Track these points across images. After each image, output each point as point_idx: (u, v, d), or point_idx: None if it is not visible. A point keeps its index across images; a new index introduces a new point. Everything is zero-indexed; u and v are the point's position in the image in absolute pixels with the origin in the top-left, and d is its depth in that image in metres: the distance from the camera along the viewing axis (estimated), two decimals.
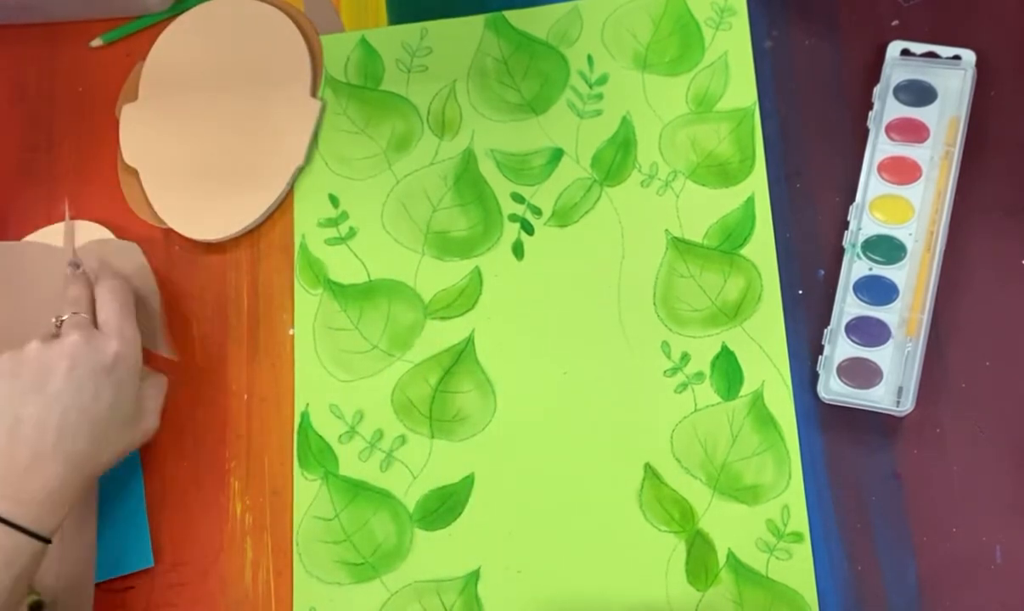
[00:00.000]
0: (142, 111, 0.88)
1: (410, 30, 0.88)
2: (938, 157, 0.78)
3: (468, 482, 0.78)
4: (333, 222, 0.85)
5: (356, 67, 0.88)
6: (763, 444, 0.76)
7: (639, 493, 0.77)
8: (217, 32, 0.89)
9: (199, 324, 0.84)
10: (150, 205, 0.86)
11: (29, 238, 0.86)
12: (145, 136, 0.87)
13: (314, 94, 0.87)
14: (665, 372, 0.79)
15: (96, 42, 0.91)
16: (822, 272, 0.79)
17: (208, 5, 0.90)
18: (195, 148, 0.87)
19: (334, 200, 0.85)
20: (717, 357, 0.78)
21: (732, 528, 0.75)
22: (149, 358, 0.82)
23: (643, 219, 0.82)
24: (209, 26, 0.89)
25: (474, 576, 0.77)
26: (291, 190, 0.86)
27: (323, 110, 0.86)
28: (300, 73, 0.87)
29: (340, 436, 0.80)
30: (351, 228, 0.84)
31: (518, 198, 0.83)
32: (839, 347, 0.76)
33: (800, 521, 0.75)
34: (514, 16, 0.87)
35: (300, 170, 0.85)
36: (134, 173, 0.87)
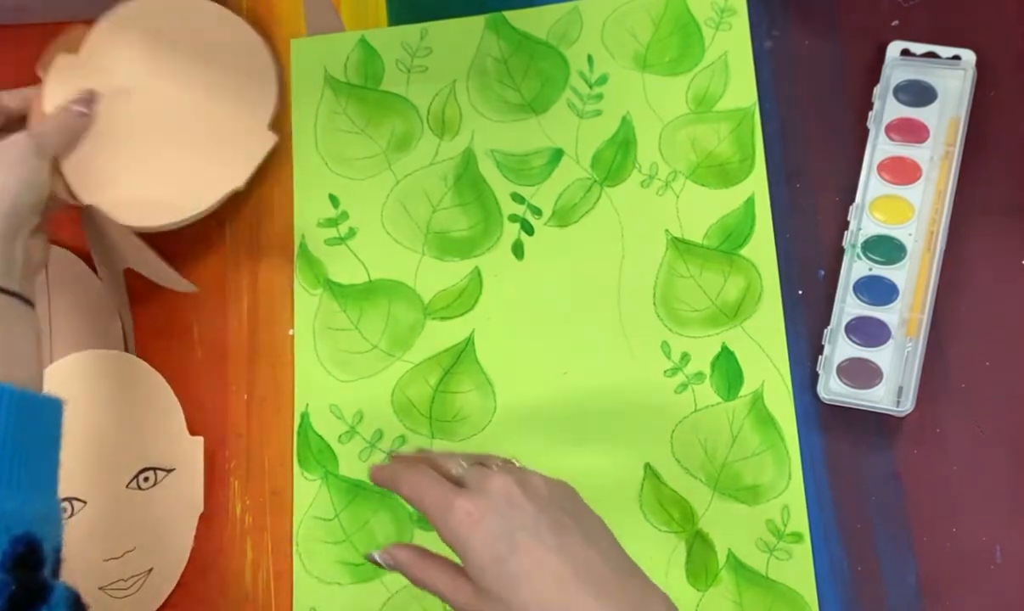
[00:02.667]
0: (81, 73, 0.83)
1: (410, 30, 0.88)
2: (938, 157, 0.78)
3: None
4: (333, 222, 0.85)
5: (356, 67, 0.88)
6: (763, 444, 0.76)
7: (639, 493, 0.77)
8: (176, 28, 0.85)
9: (199, 324, 0.84)
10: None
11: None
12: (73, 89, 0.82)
13: (273, 127, 0.83)
14: (665, 372, 0.79)
15: None
16: (822, 272, 0.79)
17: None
18: (130, 126, 0.82)
19: (334, 200, 0.85)
20: (717, 357, 0.78)
21: (732, 528, 0.75)
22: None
23: (643, 219, 0.82)
24: (164, 19, 0.85)
25: None
26: (291, 190, 0.86)
27: (276, 146, 0.83)
28: (264, 103, 0.83)
29: (340, 436, 0.80)
30: (351, 228, 0.84)
31: (518, 198, 0.83)
32: (839, 347, 0.76)
33: (800, 521, 0.75)
34: (514, 16, 0.87)
35: (236, 192, 0.81)
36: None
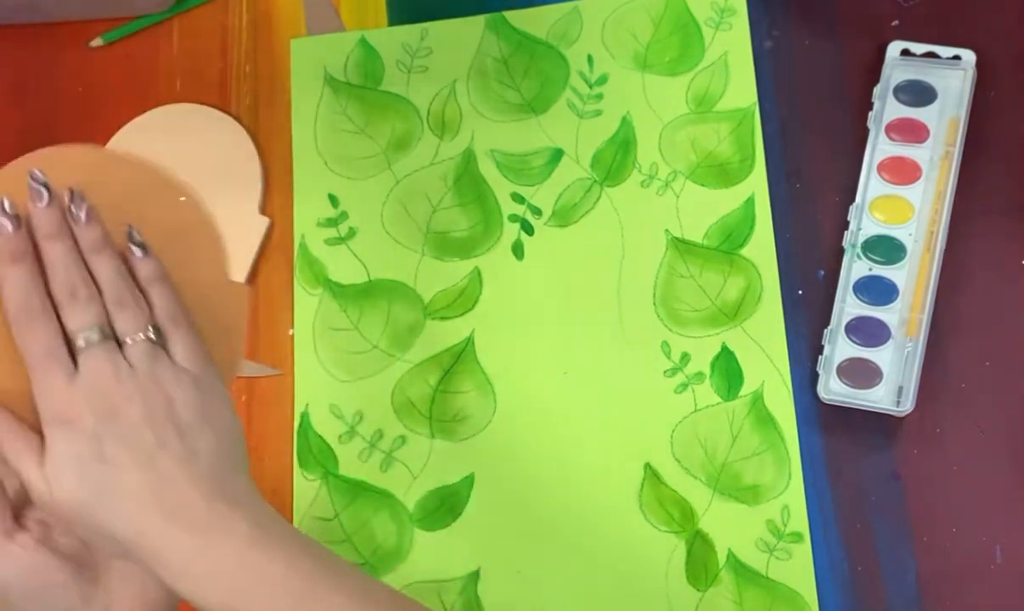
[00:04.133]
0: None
1: (410, 31, 0.88)
2: (938, 157, 0.78)
3: (468, 482, 0.78)
4: (333, 222, 0.85)
5: (356, 67, 0.88)
6: (763, 444, 0.76)
7: (639, 493, 0.77)
8: (173, 136, 0.87)
9: None
10: None
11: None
12: None
13: (263, 211, 0.85)
14: (665, 372, 0.79)
15: (96, 42, 0.91)
16: (822, 272, 0.79)
17: (167, 109, 0.88)
18: None
19: (334, 200, 0.85)
20: (717, 357, 0.78)
21: (732, 528, 0.75)
22: None
23: (643, 219, 0.82)
24: (165, 131, 0.87)
25: (474, 576, 0.77)
26: (290, 190, 0.86)
27: (270, 228, 0.85)
28: (251, 189, 0.85)
29: (340, 436, 0.80)
30: (351, 228, 0.84)
31: (518, 198, 0.83)
32: (839, 347, 0.76)
33: (800, 521, 0.75)
34: (514, 16, 0.87)
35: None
36: None
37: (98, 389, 0.57)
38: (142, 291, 0.61)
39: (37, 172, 0.60)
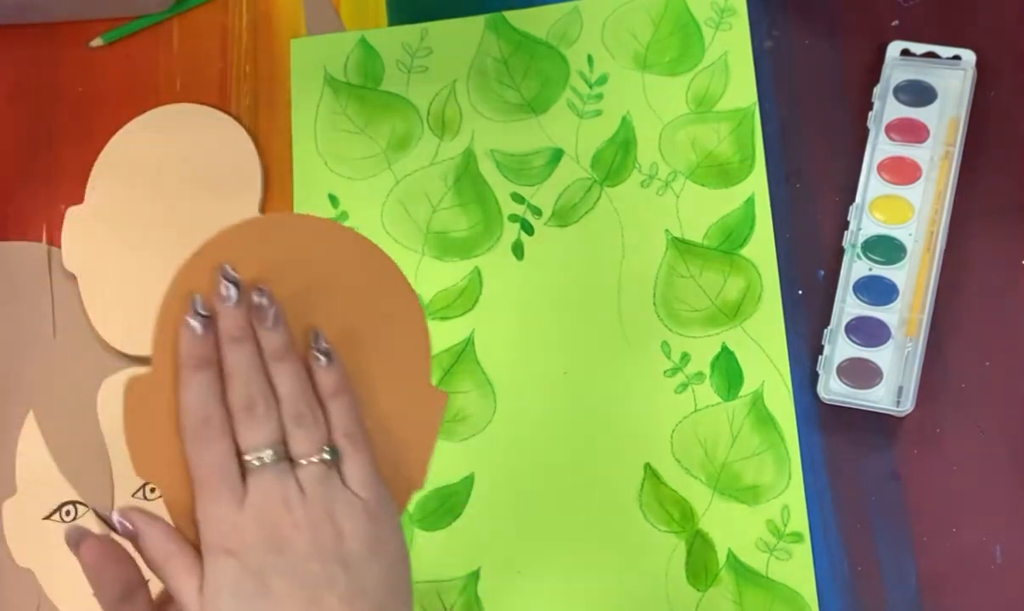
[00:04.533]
0: (87, 213, 0.86)
1: (410, 31, 0.88)
2: (938, 157, 0.78)
3: (468, 482, 0.78)
4: None
5: (356, 67, 0.88)
6: (763, 444, 0.76)
7: (639, 493, 0.77)
8: (173, 136, 0.87)
9: None
10: None
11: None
12: (88, 240, 0.85)
13: (263, 211, 0.85)
14: (665, 372, 0.79)
15: (96, 42, 0.91)
16: (822, 272, 0.79)
17: (167, 109, 0.88)
18: (139, 257, 0.83)
19: (334, 200, 0.85)
20: (717, 357, 0.78)
21: (732, 528, 0.75)
22: None
23: (643, 219, 0.82)
24: (165, 131, 0.87)
25: (474, 577, 0.77)
26: (290, 190, 0.86)
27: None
28: (251, 189, 0.85)
29: None
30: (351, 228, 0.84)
31: (518, 198, 0.83)
32: (839, 347, 0.76)
33: (800, 521, 0.75)
34: (514, 16, 0.87)
35: None
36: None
37: (266, 517, 0.54)
38: (322, 403, 0.58)
39: (228, 268, 0.57)
